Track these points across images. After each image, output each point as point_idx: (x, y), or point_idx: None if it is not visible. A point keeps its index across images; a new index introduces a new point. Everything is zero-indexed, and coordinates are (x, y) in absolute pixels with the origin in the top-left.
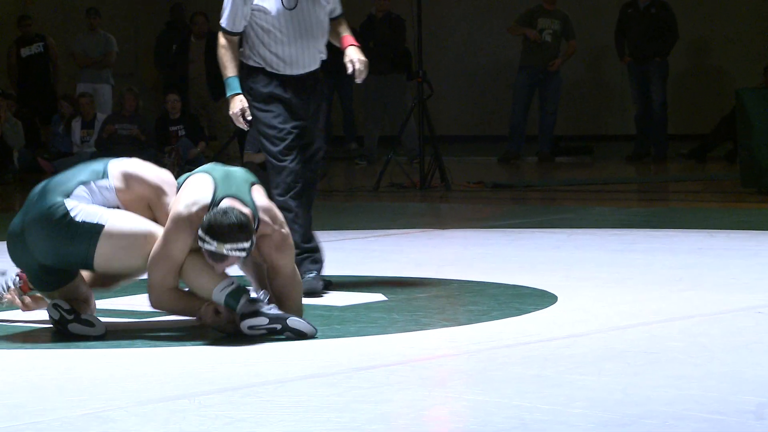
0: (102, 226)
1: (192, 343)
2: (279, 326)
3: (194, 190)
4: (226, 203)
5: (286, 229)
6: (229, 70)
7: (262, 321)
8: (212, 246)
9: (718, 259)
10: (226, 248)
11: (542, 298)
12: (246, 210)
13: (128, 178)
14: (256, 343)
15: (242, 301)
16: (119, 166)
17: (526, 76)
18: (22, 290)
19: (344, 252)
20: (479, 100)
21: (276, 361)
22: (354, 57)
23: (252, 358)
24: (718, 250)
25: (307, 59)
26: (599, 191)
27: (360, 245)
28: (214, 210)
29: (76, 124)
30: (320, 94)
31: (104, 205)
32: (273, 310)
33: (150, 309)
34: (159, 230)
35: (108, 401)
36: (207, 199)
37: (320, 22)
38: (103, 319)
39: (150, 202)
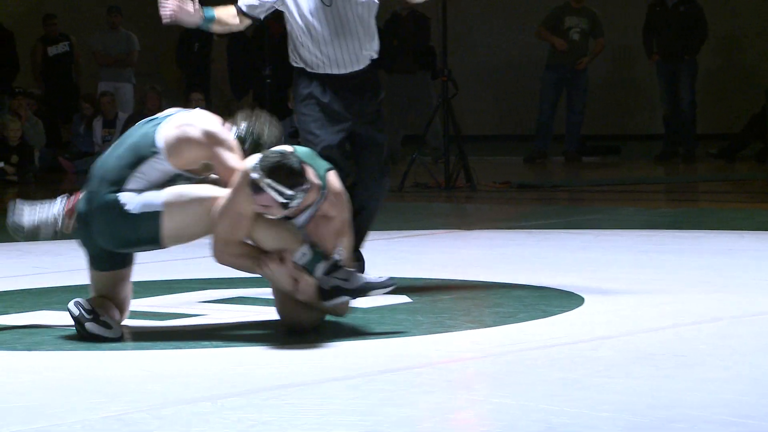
0: (161, 210)
1: (214, 344)
2: (363, 296)
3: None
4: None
5: (349, 219)
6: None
7: (344, 299)
8: (256, 174)
9: (747, 260)
10: (266, 182)
11: (569, 300)
12: (312, 173)
13: (177, 145)
14: (279, 346)
15: (320, 269)
16: (165, 133)
17: (553, 75)
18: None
19: (368, 253)
20: (505, 99)
21: (299, 364)
22: None
23: (275, 360)
24: (747, 251)
25: (348, 58)
26: (627, 191)
27: (384, 246)
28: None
29: (98, 124)
30: (371, 96)
31: (162, 179)
32: (352, 280)
33: (173, 310)
34: (215, 190)
35: (129, 403)
36: None
37: (361, 19)
38: (126, 320)
39: (206, 160)
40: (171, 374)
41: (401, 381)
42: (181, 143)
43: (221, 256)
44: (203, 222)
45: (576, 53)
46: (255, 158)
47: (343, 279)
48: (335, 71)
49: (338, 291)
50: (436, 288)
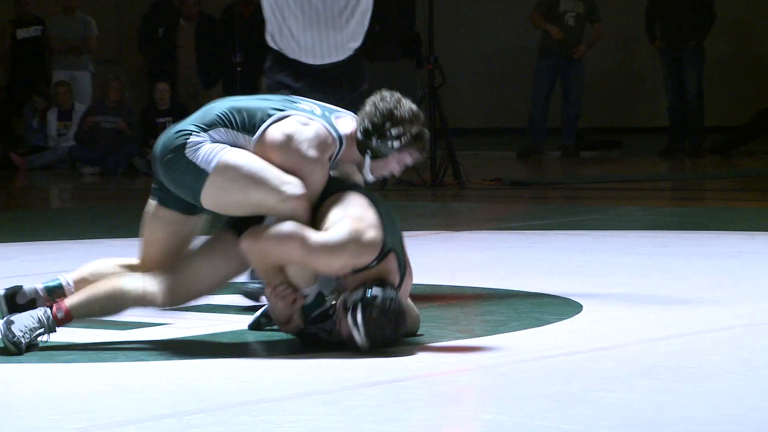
0: (217, 161)
1: (180, 356)
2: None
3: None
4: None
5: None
6: None
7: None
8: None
9: (759, 263)
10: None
11: (566, 307)
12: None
13: (269, 146)
14: (251, 358)
15: (313, 315)
16: (274, 129)
17: (547, 63)
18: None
19: None
20: (496, 89)
21: (273, 377)
22: None
23: (247, 373)
24: (759, 253)
25: (326, 48)
26: (628, 189)
27: None
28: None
29: (52, 116)
30: (348, 89)
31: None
32: (333, 333)
33: (134, 318)
34: (278, 172)
35: (87, 420)
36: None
37: (346, 7)
38: (83, 330)
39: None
40: (132, 389)
41: (384, 395)
42: (273, 149)
43: (254, 251)
44: (242, 207)
45: (571, 39)
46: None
47: (327, 331)
48: (311, 61)
49: (316, 340)
50: (421, 295)
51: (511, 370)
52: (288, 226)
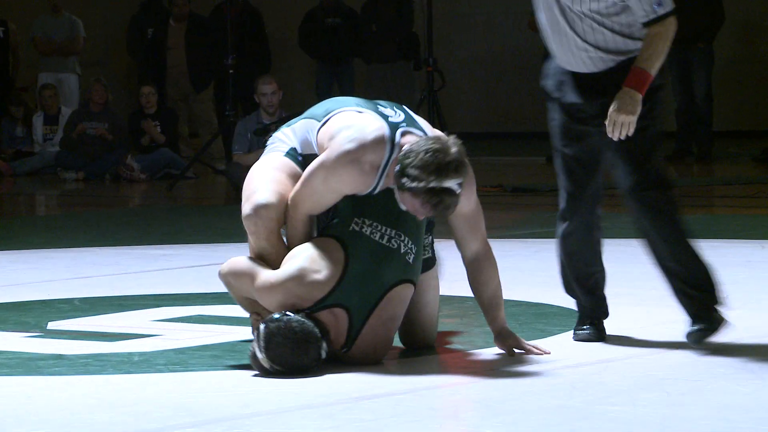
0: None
1: (170, 368)
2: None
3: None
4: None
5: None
6: None
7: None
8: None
9: None
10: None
11: (569, 318)
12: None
13: (323, 135)
14: (244, 370)
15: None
16: (331, 122)
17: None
18: None
19: None
20: (498, 92)
21: (267, 390)
22: None
23: (241, 386)
24: None
25: (566, 56)
26: None
27: None
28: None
29: (38, 120)
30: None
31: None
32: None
33: (124, 330)
34: (255, 184)
35: None
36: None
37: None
38: (70, 341)
39: None
40: (122, 402)
41: (381, 409)
42: (323, 138)
43: (223, 281)
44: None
45: None
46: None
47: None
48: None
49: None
50: None
51: (513, 382)
52: (241, 262)
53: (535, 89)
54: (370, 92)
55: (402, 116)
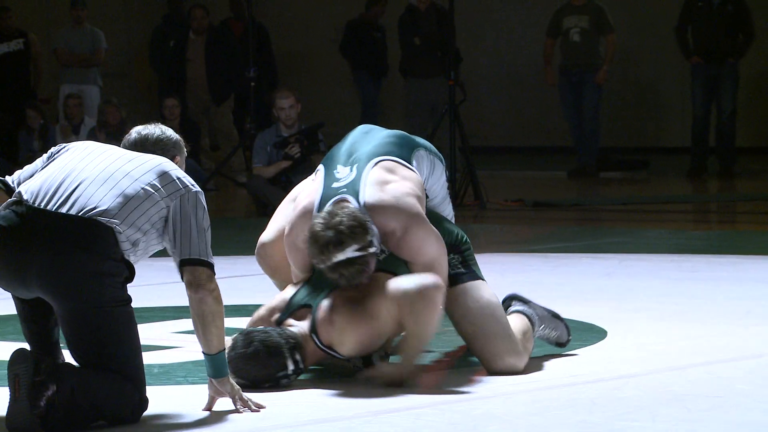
0: None
1: (190, 380)
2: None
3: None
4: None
5: None
6: None
7: None
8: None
9: None
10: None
11: (590, 333)
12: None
13: (377, 209)
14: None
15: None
16: (370, 194)
17: (564, 81)
18: None
19: None
20: (519, 106)
21: (285, 404)
22: None
23: (259, 400)
24: None
25: None
26: (654, 211)
27: None
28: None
29: (59, 131)
30: None
31: None
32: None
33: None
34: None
35: None
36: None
37: None
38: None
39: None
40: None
41: (401, 423)
42: (381, 209)
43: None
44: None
45: (581, 55)
46: None
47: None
48: None
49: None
50: None
51: (533, 397)
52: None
53: (557, 103)
54: (410, 106)
55: (351, 177)
